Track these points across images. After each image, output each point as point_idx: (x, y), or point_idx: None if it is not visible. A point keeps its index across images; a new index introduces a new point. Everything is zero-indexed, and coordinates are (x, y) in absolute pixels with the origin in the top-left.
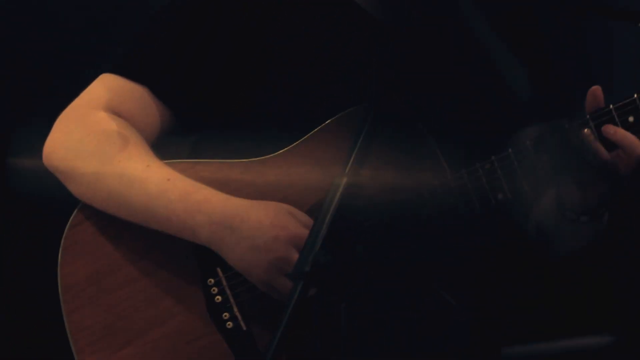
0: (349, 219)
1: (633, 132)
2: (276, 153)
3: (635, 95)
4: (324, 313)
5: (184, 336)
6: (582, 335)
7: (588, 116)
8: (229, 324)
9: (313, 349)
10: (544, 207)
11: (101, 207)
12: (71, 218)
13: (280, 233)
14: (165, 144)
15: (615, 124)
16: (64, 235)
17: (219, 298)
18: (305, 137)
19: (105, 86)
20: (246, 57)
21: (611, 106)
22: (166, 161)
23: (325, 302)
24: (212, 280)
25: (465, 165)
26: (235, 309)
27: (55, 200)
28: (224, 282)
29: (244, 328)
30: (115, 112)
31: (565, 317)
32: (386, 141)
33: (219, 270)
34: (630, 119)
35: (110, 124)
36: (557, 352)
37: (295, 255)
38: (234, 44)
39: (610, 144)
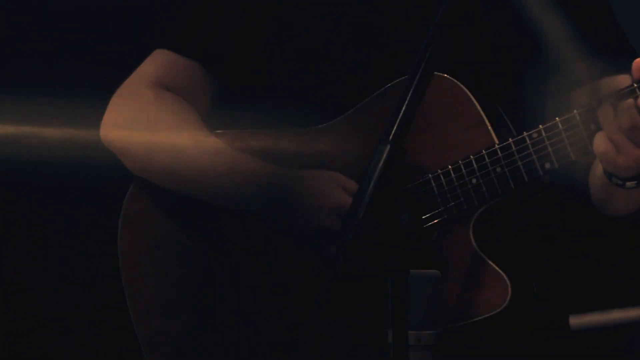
0: (393, 186)
1: None
2: (325, 124)
3: None
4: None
5: (237, 306)
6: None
7: (635, 85)
8: None
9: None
10: (593, 173)
11: (155, 181)
12: (130, 189)
13: (324, 202)
14: (222, 115)
15: None
16: (123, 205)
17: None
18: (355, 108)
19: (157, 62)
20: (292, 28)
21: None
22: (217, 131)
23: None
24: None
25: (513, 134)
26: None
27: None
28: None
29: None
30: (167, 87)
31: (629, 285)
32: (430, 108)
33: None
34: None
35: (161, 100)
36: (624, 320)
37: (338, 224)
38: (274, 16)
39: None
